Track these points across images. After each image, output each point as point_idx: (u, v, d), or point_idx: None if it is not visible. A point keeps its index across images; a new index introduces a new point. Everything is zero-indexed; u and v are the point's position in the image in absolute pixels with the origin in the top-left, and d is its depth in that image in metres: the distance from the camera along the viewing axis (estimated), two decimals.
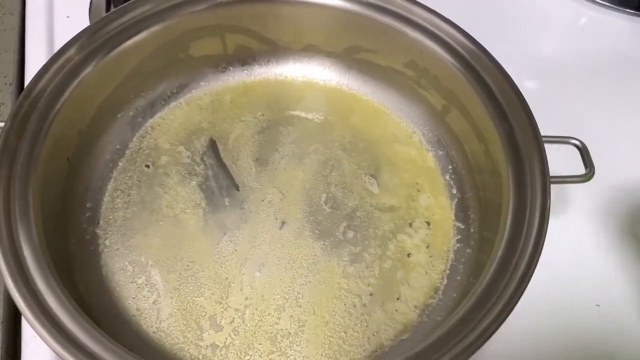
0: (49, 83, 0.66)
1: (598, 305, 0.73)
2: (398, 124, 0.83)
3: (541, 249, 0.57)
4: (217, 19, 0.78)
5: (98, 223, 0.72)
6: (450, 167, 0.78)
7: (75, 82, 0.67)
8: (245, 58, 0.86)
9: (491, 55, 0.72)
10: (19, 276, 0.54)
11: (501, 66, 0.71)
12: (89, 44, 0.70)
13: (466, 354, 0.51)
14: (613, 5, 1.02)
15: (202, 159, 0.79)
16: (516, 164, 0.64)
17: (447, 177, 0.78)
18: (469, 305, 0.55)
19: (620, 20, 1.00)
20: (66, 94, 0.66)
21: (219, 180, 0.77)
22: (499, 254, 0.59)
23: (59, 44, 0.88)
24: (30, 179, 0.61)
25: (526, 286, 0.55)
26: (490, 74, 0.71)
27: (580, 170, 0.67)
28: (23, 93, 0.65)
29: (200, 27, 0.78)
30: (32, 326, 0.51)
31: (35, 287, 0.53)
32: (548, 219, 0.59)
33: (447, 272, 0.71)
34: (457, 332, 0.53)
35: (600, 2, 1.02)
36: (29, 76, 0.86)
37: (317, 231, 0.73)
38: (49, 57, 0.69)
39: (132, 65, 0.75)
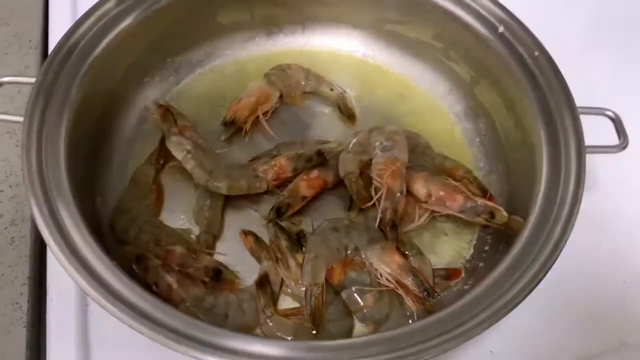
0: (82, 37, 0.66)
1: (624, 282, 0.72)
2: (425, 96, 0.82)
3: (576, 215, 0.57)
4: None
5: (124, 184, 0.72)
6: (477, 139, 0.78)
7: (111, 35, 0.67)
8: (271, 28, 0.85)
9: (524, 24, 0.71)
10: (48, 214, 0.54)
11: (534, 35, 0.70)
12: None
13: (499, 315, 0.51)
14: None
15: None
16: (550, 133, 0.64)
17: (475, 149, 0.78)
18: (504, 267, 0.55)
19: None
20: (99, 49, 0.66)
21: None
22: (533, 218, 0.58)
23: (82, 9, 0.88)
24: (60, 134, 0.60)
25: (561, 251, 0.54)
26: (523, 43, 0.70)
27: (612, 141, 0.67)
28: (55, 46, 0.64)
29: None
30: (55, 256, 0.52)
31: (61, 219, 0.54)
32: (583, 188, 0.58)
33: (474, 242, 0.70)
34: (492, 292, 0.53)
35: None
36: (52, 40, 0.85)
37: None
38: (75, 20, 0.69)
39: (162, 28, 0.74)
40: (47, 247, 0.66)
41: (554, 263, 0.54)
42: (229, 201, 0.72)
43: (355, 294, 0.62)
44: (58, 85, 0.63)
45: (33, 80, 0.65)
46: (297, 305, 0.64)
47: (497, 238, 0.68)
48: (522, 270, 0.54)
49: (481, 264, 0.67)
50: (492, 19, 0.72)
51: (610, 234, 0.73)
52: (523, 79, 0.68)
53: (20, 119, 0.61)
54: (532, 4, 0.74)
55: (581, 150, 0.61)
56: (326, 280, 0.62)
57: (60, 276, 0.65)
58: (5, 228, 0.68)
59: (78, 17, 0.83)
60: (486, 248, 0.69)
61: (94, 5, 0.68)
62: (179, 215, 0.71)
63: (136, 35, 0.71)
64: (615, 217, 0.74)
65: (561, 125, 0.64)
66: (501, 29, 0.71)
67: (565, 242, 0.55)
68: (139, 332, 0.50)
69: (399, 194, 0.66)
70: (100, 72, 0.67)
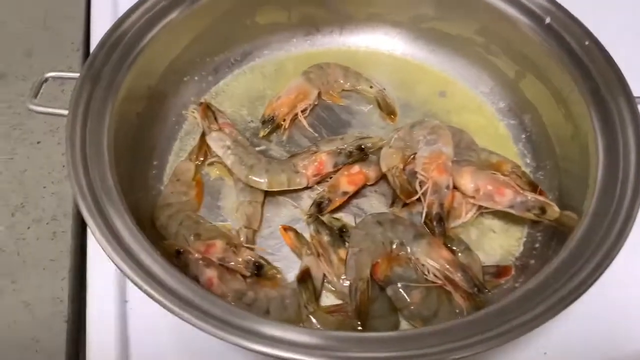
0: (127, 31, 0.66)
1: None
2: (467, 93, 0.80)
3: (637, 210, 0.53)
4: None
5: (163, 181, 0.72)
6: (523, 135, 0.75)
7: (155, 29, 0.67)
8: (308, 28, 0.85)
9: (571, 13, 0.69)
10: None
11: (583, 24, 0.68)
12: None
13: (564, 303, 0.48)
14: None
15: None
16: (605, 124, 0.61)
17: (520, 145, 0.75)
18: (560, 260, 0.52)
19: None
20: (142, 43, 0.66)
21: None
22: (590, 212, 0.55)
23: (123, 10, 0.90)
24: (104, 128, 0.60)
25: (621, 246, 0.51)
26: (571, 32, 0.68)
27: None
28: (100, 40, 0.65)
29: None
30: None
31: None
32: None
33: (524, 239, 0.67)
34: (551, 284, 0.50)
35: None
36: (94, 42, 0.86)
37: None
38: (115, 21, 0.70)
39: (202, 26, 0.75)
40: (88, 242, 0.67)
41: (613, 259, 0.51)
42: (268, 197, 0.70)
43: (401, 290, 0.59)
44: (102, 78, 0.63)
45: (74, 75, 0.66)
46: (339, 302, 0.62)
47: (548, 235, 0.65)
48: (579, 265, 0.51)
49: (532, 261, 0.65)
50: (538, 11, 0.70)
51: None
52: (573, 70, 0.66)
53: (65, 112, 0.61)
54: None
55: None
56: (370, 275, 0.60)
57: (101, 272, 0.65)
58: (47, 223, 0.68)
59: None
60: (537, 245, 0.66)
61: (139, 0, 0.68)
62: (219, 211, 0.70)
63: (178, 32, 0.72)
64: None
65: (618, 116, 0.61)
66: (548, 20, 0.69)
67: (626, 237, 0.52)
68: (186, 320, 0.48)
69: (445, 188, 0.64)
70: (142, 67, 0.67)
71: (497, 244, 0.67)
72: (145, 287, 0.49)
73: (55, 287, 0.63)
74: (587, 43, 0.66)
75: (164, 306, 0.49)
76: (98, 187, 0.55)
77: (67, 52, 0.85)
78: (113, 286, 0.65)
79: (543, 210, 0.64)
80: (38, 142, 0.75)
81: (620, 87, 0.62)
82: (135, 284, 0.49)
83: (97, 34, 0.86)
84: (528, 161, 0.74)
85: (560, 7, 0.69)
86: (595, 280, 0.49)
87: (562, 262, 0.52)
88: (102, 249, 0.51)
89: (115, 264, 0.50)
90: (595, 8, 0.74)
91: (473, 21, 0.76)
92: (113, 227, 0.53)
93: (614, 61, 0.64)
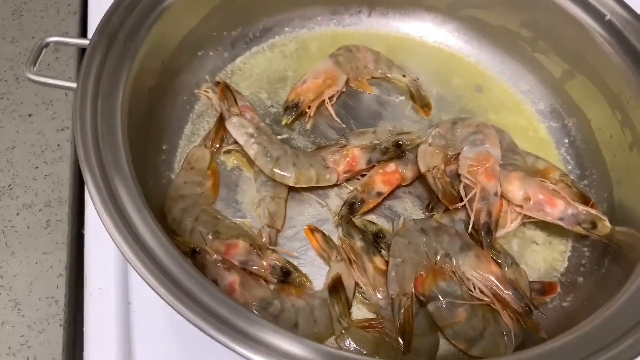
0: None
1: None
2: (505, 90, 0.75)
3: None
4: None
5: (174, 168, 0.64)
6: (566, 140, 0.70)
7: None
8: (336, 6, 0.77)
9: (633, 10, 0.63)
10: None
11: None
12: None
13: None
14: None
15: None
16: None
17: (563, 151, 0.70)
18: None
19: None
20: (159, 9, 0.58)
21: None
22: None
23: None
24: (117, 104, 0.52)
25: None
26: (635, 32, 0.62)
27: None
28: (110, 7, 0.56)
29: None
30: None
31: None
32: None
33: (569, 254, 0.62)
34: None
35: None
36: (92, 6, 0.77)
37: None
38: None
39: None
40: (86, 234, 0.59)
41: None
42: (292, 193, 0.63)
43: (445, 308, 0.53)
44: (115, 47, 0.55)
45: (81, 41, 0.57)
46: (372, 315, 0.56)
47: (598, 251, 0.61)
48: None
49: (580, 279, 0.60)
50: (598, 6, 0.64)
51: None
52: (636, 73, 0.60)
53: (71, 84, 0.52)
54: None
55: None
56: None
57: (101, 268, 0.58)
58: (40, 210, 0.60)
59: None
60: (584, 262, 0.61)
61: None
62: (237, 206, 0.62)
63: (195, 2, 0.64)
64: None
65: None
66: (609, 17, 0.63)
67: None
68: (205, 332, 0.41)
69: (494, 195, 0.58)
70: (158, 38, 0.60)
71: (540, 257, 0.62)
72: (172, 298, 0.42)
73: (50, 286, 0.55)
74: None
75: (181, 313, 0.41)
76: (112, 174, 0.47)
77: (63, 15, 0.75)
78: (115, 285, 0.57)
79: (594, 225, 0.59)
80: (30, 116, 0.66)
81: None
82: (161, 294, 0.42)
83: None
84: (571, 168, 0.69)
85: (623, 4, 0.64)
86: None
87: (635, 293, 0.47)
88: (120, 249, 0.43)
89: (138, 272, 0.42)
90: None
91: (521, 13, 0.70)
92: (129, 222, 0.45)
93: None
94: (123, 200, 0.46)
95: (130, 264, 0.42)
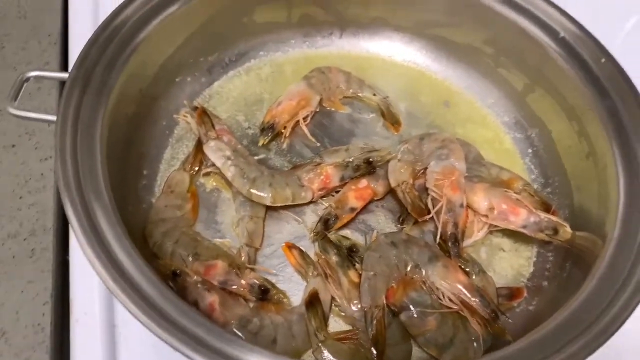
0: (122, 25, 0.60)
1: None
2: (472, 104, 0.78)
3: None
4: None
5: (154, 192, 0.66)
6: (530, 150, 0.73)
7: (153, 23, 0.62)
8: (308, 28, 0.80)
9: (587, 29, 0.67)
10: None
11: (597, 39, 0.66)
12: None
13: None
14: None
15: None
16: (624, 144, 0.59)
17: (527, 160, 0.73)
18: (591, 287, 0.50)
19: None
20: (137, 39, 0.61)
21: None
22: (614, 239, 0.54)
23: (103, 4, 0.83)
24: (96, 134, 0.55)
25: None
26: (587, 49, 0.66)
27: None
28: (89, 40, 0.59)
29: None
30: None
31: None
32: None
33: (534, 259, 0.66)
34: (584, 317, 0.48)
35: None
36: (73, 35, 0.79)
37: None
38: (96, 13, 0.64)
39: (199, 22, 0.69)
40: (71, 260, 0.61)
41: None
42: (269, 211, 0.66)
43: (416, 316, 0.56)
44: (93, 80, 0.57)
45: (60, 75, 0.60)
46: (347, 327, 0.59)
47: (560, 255, 0.64)
48: (611, 296, 0.49)
49: (545, 283, 0.63)
50: (552, 24, 0.68)
51: None
52: (590, 87, 0.64)
53: (51, 117, 0.55)
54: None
55: None
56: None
57: (86, 292, 0.60)
58: (24, 239, 0.62)
59: (100, 10, 0.80)
60: (548, 266, 0.64)
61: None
62: (216, 226, 0.65)
63: (174, 29, 0.67)
64: None
65: (635, 135, 0.59)
66: (562, 34, 0.67)
67: None
68: (185, 354, 0.44)
69: (459, 206, 0.61)
70: (135, 68, 0.62)
71: (507, 263, 0.65)
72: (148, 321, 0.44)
73: (35, 313, 0.57)
74: (603, 60, 0.64)
75: (162, 337, 0.44)
76: (92, 204, 0.50)
77: (44, 45, 0.77)
78: (100, 309, 0.59)
79: (555, 231, 0.62)
80: (13, 146, 0.68)
81: (638, 107, 0.61)
82: (140, 320, 0.44)
83: (76, 27, 0.80)
84: (534, 177, 0.72)
85: (575, 22, 0.67)
86: (631, 312, 0.48)
87: (591, 293, 0.50)
88: (103, 281, 0.46)
89: (119, 299, 0.45)
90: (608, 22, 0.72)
91: (483, 31, 0.74)
92: (110, 251, 0.48)
93: (630, 80, 0.63)
94: (104, 229, 0.48)
95: (111, 292, 0.45)
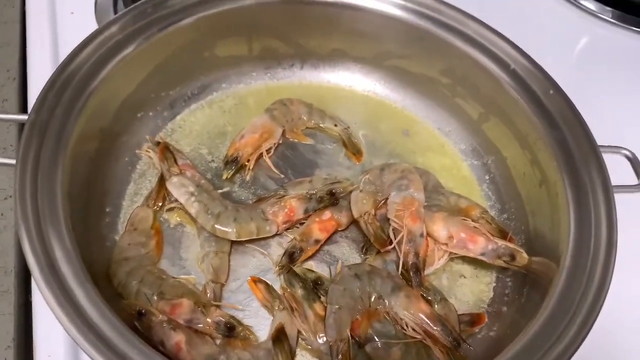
0: (81, 66, 0.61)
1: None
2: (430, 132, 0.80)
3: (614, 260, 0.55)
4: (248, 15, 0.74)
5: (118, 230, 0.66)
6: (487, 176, 0.76)
7: (111, 63, 0.63)
8: (269, 61, 0.82)
9: (536, 62, 0.70)
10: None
11: (548, 73, 0.69)
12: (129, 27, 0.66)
13: None
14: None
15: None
16: (572, 173, 0.62)
17: (485, 187, 0.76)
18: (544, 317, 0.52)
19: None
20: (97, 80, 0.61)
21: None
22: (567, 264, 0.56)
23: (63, 39, 0.83)
24: (57, 178, 0.55)
25: (606, 294, 0.52)
26: (536, 81, 0.69)
27: (628, 180, 0.66)
28: (47, 83, 0.59)
29: (230, 24, 0.74)
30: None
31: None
32: (617, 228, 0.57)
33: (493, 284, 0.68)
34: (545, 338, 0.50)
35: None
36: (32, 70, 0.79)
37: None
38: (54, 48, 0.64)
39: (159, 60, 0.70)
40: (33, 301, 0.60)
41: (599, 312, 0.52)
42: (234, 245, 0.67)
43: (381, 348, 0.57)
44: (52, 124, 0.57)
45: (19, 117, 0.60)
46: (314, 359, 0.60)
47: (518, 281, 0.66)
48: (565, 322, 0.52)
49: (504, 308, 0.65)
50: (503, 56, 0.71)
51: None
52: (540, 118, 0.67)
53: (10, 160, 0.55)
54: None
55: (608, 190, 0.60)
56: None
57: (50, 334, 0.59)
58: None
59: (60, 44, 0.80)
60: (507, 291, 0.66)
61: (95, 31, 0.63)
62: (181, 262, 0.65)
63: (134, 67, 0.67)
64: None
65: (584, 165, 0.62)
66: (512, 66, 0.70)
67: (609, 285, 0.53)
68: None
69: (419, 236, 0.63)
70: (95, 108, 0.62)
71: (468, 289, 0.67)
72: None
73: None
74: (551, 92, 0.68)
75: None
76: (54, 248, 0.49)
77: (2, 80, 0.76)
78: (65, 351, 0.59)
79: (513, 257, 0.64)
80: None
81: (586, 138, 0.64)
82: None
83: (35, 61, 0.80)
84: (491, 203, 0.75)
85: (525, 55, 0.71)
86: (586, 336, 0.50)
87: (548, 319, 0.52)
88: (66, 330, 0.45)
89: (83, 349, 0.45)
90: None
91: (439, 62, 0.76)
92: (72, 298, 0.48)
93: (577, 111, 0.66)
94: (65, 274, 0.48)
95: (75, 342, 0.45)
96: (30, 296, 0.61)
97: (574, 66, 0.93)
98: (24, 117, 0.56)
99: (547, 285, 0.58)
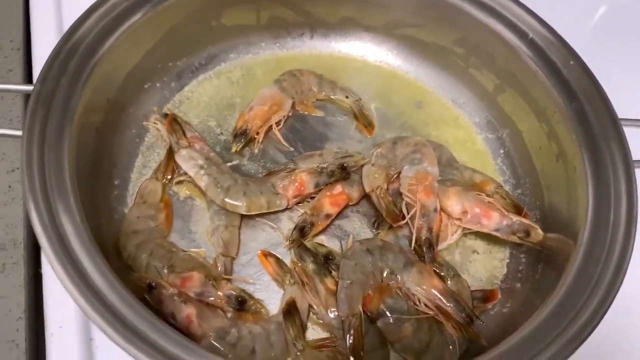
0: (86, 35, 0.59)
1: None
2: (444, 104, 0.78)
3: (634, 236, 0.54)
4: None
5: (127, 203, 0.65)
6: (501, 150, 0.74)
7: (117, 32, 0.61)
8: (278, 30, 0.79)
9: (556, 31, 0.68)
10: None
11: (568, 43, 0.67)
12: None
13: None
14: None
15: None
16: (591, 146, 0.61)
17: (499, 161, 0.74)
18: (561, 294, 0.51)
19: None
20: (103, 49, 0.59)
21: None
22: (585, 240, 0.55)
23: (67, 7, 0.81)
24: (64, 149, 0.53)
25: (624, 276, 0.51)
26: (555, 50, 0.67)
27: None
28: (52, 52, 0.57)
29: None
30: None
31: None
32: (638, 204, 0.56)
33: (507, 261, 0.67)
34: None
35: None
36: (36, 40, 0.77)
37: None
38: (58, 17, 0.62)
39: (164, 30, 0.68)
40: (43, 273, 0.60)
41: (618, 290, 0.51)
42: (244, 219, 0.66)
43: (393, 323, 0.57)
44: (58, 94, 0.55)
45: (25, 88, 0.58)
46: (325, 335, 0.59)
47: (532, 257, 0.65)
48: (583, 300, 0.51)
49: (518, 285, 0.64)
50: (522, 25, 0.69)
51: None
52: (558, 89, 0.65)
53: (15, 132, 0.53)
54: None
55: (629, 165, 0.58)
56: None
57: (61, 306, 0.59)
58: None
59: (64, 13, 0.78)
60: (521, 268, 0.66)
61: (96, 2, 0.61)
62: (191, 235, 0.64)
63: (140, 36, 0.65)
64: None
65: (603, 138, 0.61)
66: (531, 35, 0.68)
67: (628, 262, 0.52)
68: None
69: (433, 211, 0.62)
70: (101, 78, 0.60)
71: (481, 265, 0.66)
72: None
73: (9, 329, 0.56)
74: (571, 63, 0.65)
75: (134, 356, 0.43)
76: (62, 221, 0.49)
77: (6, 52, 0.75)
78: (76, 322, 0.58)
79: (527, 233, 0.63)
80: None
81: (606, 110, 0.62)
82: (108, 334, 0.44)
83: (40, 32, 0.78)
84: (506, 178, 0.73)
85: (544, 24, 0.68)
86: (604, 315, 0.49)
87: (565, 297, 0.51)
88: (76, 302, 0.45)
89: (93, 320, 0.44)
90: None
91: (453, 31, 0.74)
92: (82, 270, 0.47)
93: (598, 82, 0.64)
94: (74, 247, 0.48)
95: (86, 315, 0.44)
96: (41, 268, 0.61)
97: (591, 36, 0.90)
98: (29, 87, 0.55)
99: (564, 262, 0.57)
